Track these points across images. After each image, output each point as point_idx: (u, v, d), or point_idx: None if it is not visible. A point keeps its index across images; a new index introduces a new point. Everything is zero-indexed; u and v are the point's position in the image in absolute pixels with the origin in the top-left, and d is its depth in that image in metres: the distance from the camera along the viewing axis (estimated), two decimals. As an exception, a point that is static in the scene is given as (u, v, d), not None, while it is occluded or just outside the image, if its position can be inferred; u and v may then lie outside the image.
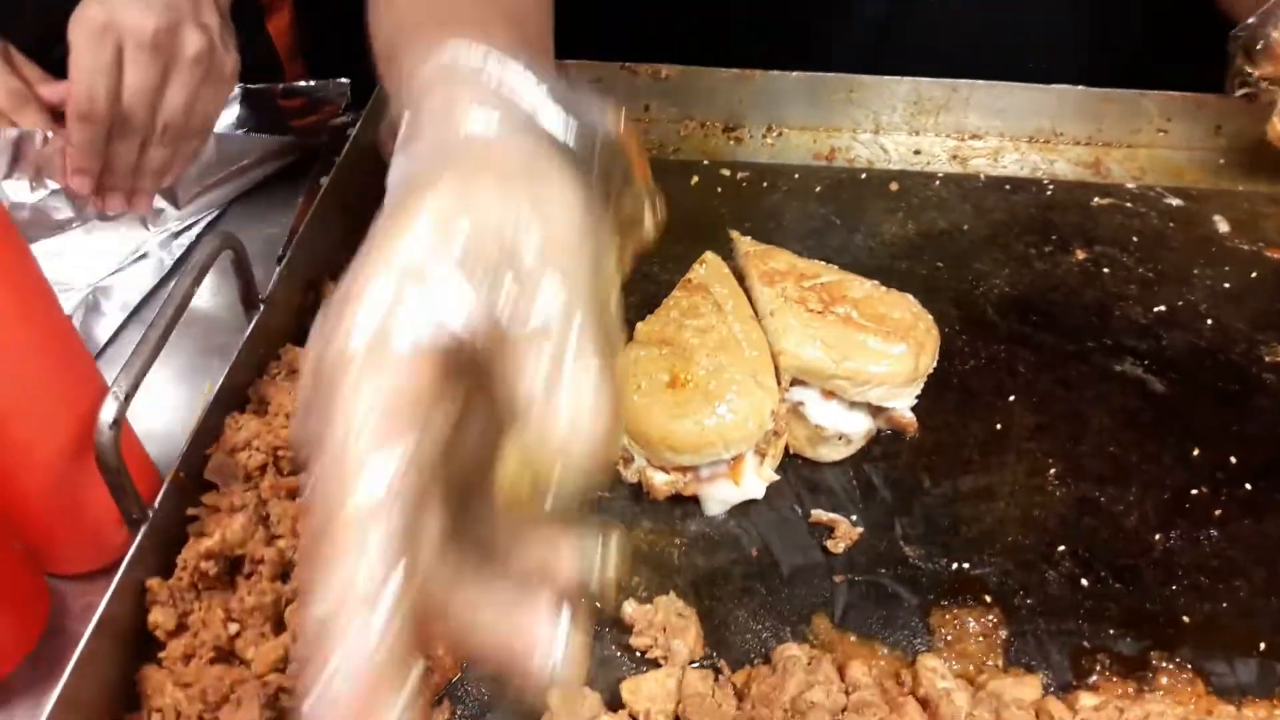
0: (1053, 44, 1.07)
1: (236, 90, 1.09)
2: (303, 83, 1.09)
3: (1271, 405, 0.80)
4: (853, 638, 0.67)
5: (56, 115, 0.89)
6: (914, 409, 0.77)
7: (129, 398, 0.61)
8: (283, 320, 0.80)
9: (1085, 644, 0.67)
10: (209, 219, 0.98)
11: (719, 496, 0.74)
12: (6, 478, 0.64)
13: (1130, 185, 0.99)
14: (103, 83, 0.84)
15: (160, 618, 0.63)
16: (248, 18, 1.27)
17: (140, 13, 0.84)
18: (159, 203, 0.95)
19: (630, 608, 0.67)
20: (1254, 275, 0.90)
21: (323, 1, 1.40)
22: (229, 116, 1.07)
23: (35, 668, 0.66)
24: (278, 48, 1.37)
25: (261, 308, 0.77)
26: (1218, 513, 0.74)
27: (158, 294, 0.92)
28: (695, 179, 1.00)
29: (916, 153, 1.03)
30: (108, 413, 0.60)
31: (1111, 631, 0.67)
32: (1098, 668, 0.66)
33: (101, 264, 0.92)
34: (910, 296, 0.78)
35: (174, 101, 0.90)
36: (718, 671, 0.65)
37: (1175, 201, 0.97)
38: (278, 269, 0.80)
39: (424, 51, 0.53)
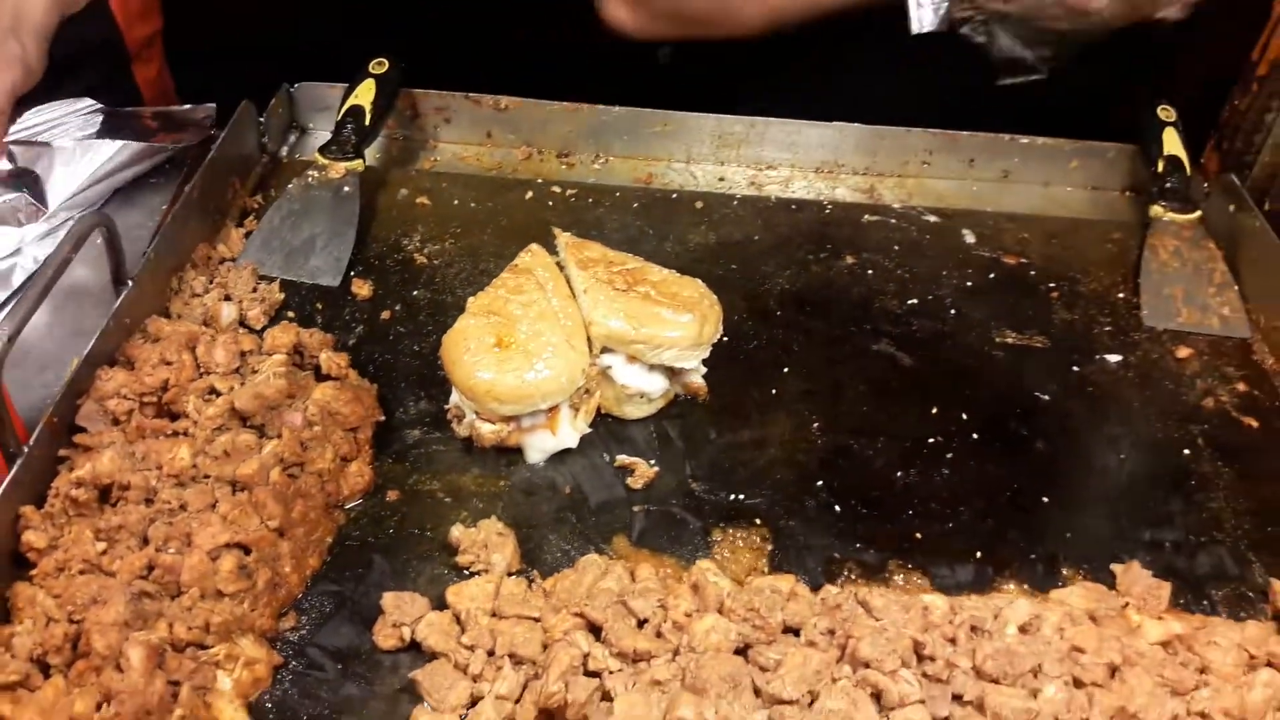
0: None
1: (97, 115, 1.16)
2: (173, 107, 1.18)
3: (998, 375, 0.98)
4: (646, 552, 0.80)
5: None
6: (705, 378, 0.92)
7: (12, 340, 0.69)
8: (148, 300, 0.90)
9: (835, 555, 0.81)
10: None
11: (539, 445, 0.86)
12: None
13: (897, 206, 1.17)
14: None
15: (32, 539, 0.71)
16: (113, 61, 1.36)
17: None
18: (28, 202, 1.03)
19: (457, 531, 0.79)
20: (992, 276, 1.09)
21: (194, 54, 1.48)
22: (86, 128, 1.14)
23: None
24: (143, 94, 1.44)
25: (129, 284, 0.86)
26: (949, 456, 0.90)
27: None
28: (529, 194, 1.14)
29: (720, 179, 1.20)
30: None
31: (858, 545, 0.82)
32: (845, 573, 0.80)
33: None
34: (699, 281, 0.92)
35: None
36: (530, 580, 0.77)
37: (933, 219, 1.15)
38: (145, 255, 0.90)
39: None
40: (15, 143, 1.05)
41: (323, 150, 1.08)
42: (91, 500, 0.73)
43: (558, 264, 0.95)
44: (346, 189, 1.06)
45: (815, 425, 0.91)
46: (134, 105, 1.44)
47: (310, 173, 1.07)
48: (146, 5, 1.41)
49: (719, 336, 0.90)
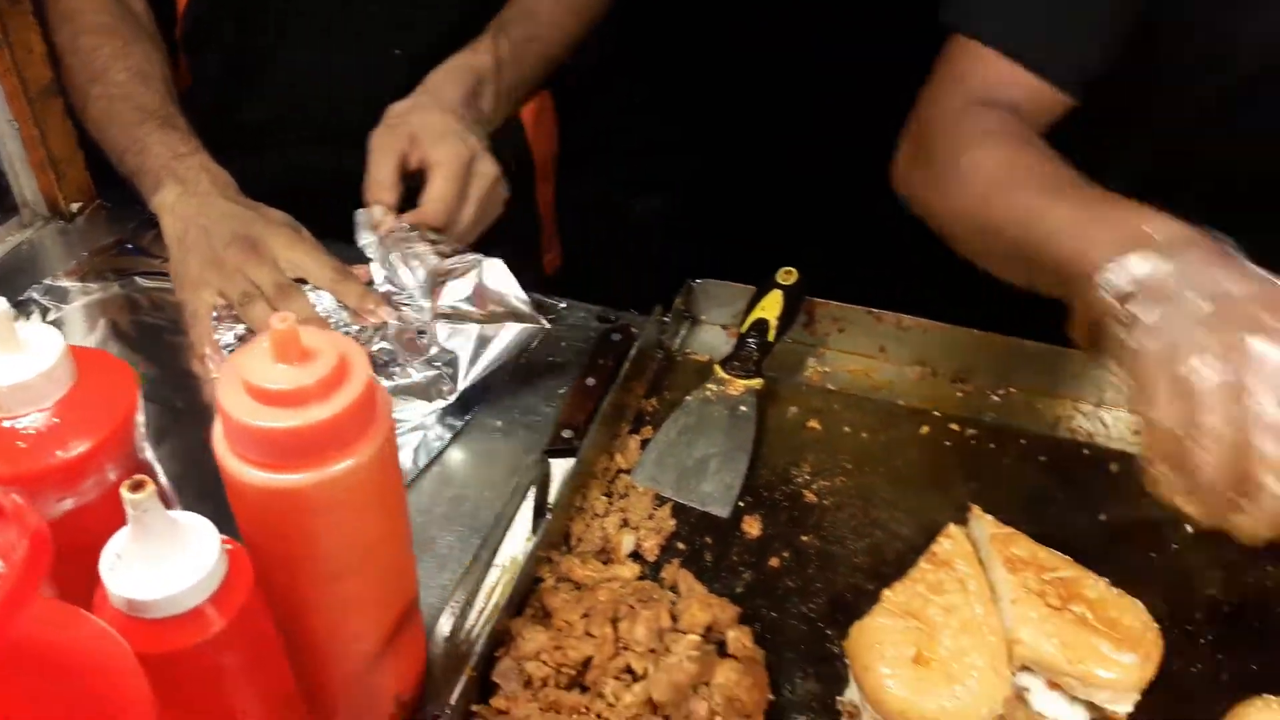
0: None
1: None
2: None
3: None
4: None
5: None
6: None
7: (465, 612, 0.70)
8: (556, 521, 0.90)
9: None
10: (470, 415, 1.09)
11: (944, 769, 0.80)
12: (322, 664, 0.74)
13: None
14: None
15: (447, 807, 0.71)
16: (520, 186, 1.43)
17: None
18: (435, 379, 1.07)
19: None
20: None
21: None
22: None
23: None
24: (541, 214, 1.51)
25: (548, 515, 0.87)
26: None
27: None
28: (925, 429, 1.08)
29: (1136, 433, 1.09)
30: (445, 624, 0.69)
31: None
32: None
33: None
34: (1140, 604, 0.83)
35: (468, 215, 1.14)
36: None
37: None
38: (562, 479, 0.90)
39: None
40: (442, 316, 1.09)
41: (724, 365, 1.06)
42: (503, 774, 0.73)
43: (968, 537, 0.88)
44: (743, 408, 1.04)
45: (1265, 796, 0.79)
46: (534, 224, 1.50)
47: (709, 386, 1.06)
48: (550, 128, 1.48)
49: (1156, 672, 0.81)
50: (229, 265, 1.07)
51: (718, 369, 1.06)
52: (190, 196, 1.13)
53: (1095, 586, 0.83)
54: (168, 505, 0.64)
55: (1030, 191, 0.90)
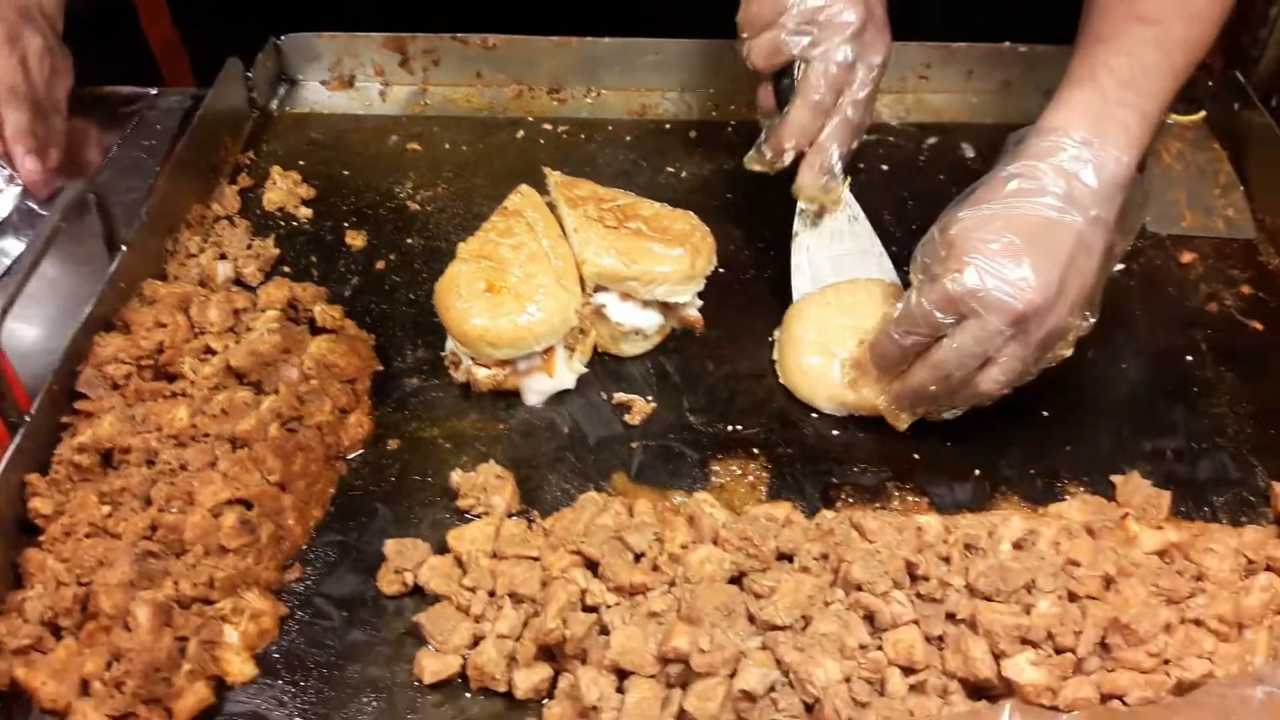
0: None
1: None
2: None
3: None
4: (645, 488, 0.81)
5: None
6: (701, 311, 0.92)
7: (6, 311, 0.71)
8: (145, 264, 0.91)
9: (833, 480, 0.82)
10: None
11: (536, 388, 0.87)
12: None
13: (894, 123, 1.15)
14: None
15: (39, 505, 0.73)
16: (120, 24, 1.36)
17: None
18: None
19: (456, 476, 0.80)
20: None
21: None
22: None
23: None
24: (155, 51, 1.45)
25: (123, 249, 0.87)
26: (948, 376, 0.89)
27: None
28: (521, 134, 1.13)
29: (714, 108, 1.18)
30: (-13, 325, 0.70)
31: (855, 469, 0.82)
32: (843, 496, 0.80)
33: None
34: (691, 214, 0.92)
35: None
36: (530, 520, 0.78)
37: (932, 137, 1.13)
38: (139, 219, 0.90)
39: None
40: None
41: None
42: (94, 465, 0.75)
43: (549, 204, 0.94)
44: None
45: (813, 353, 0.91)
46: (145, 61, 1.44)
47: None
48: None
49: (713, 269, 0.90)
50: None
51: None
52: None
53: (651, 207, 0.92)
54: None
55: None
